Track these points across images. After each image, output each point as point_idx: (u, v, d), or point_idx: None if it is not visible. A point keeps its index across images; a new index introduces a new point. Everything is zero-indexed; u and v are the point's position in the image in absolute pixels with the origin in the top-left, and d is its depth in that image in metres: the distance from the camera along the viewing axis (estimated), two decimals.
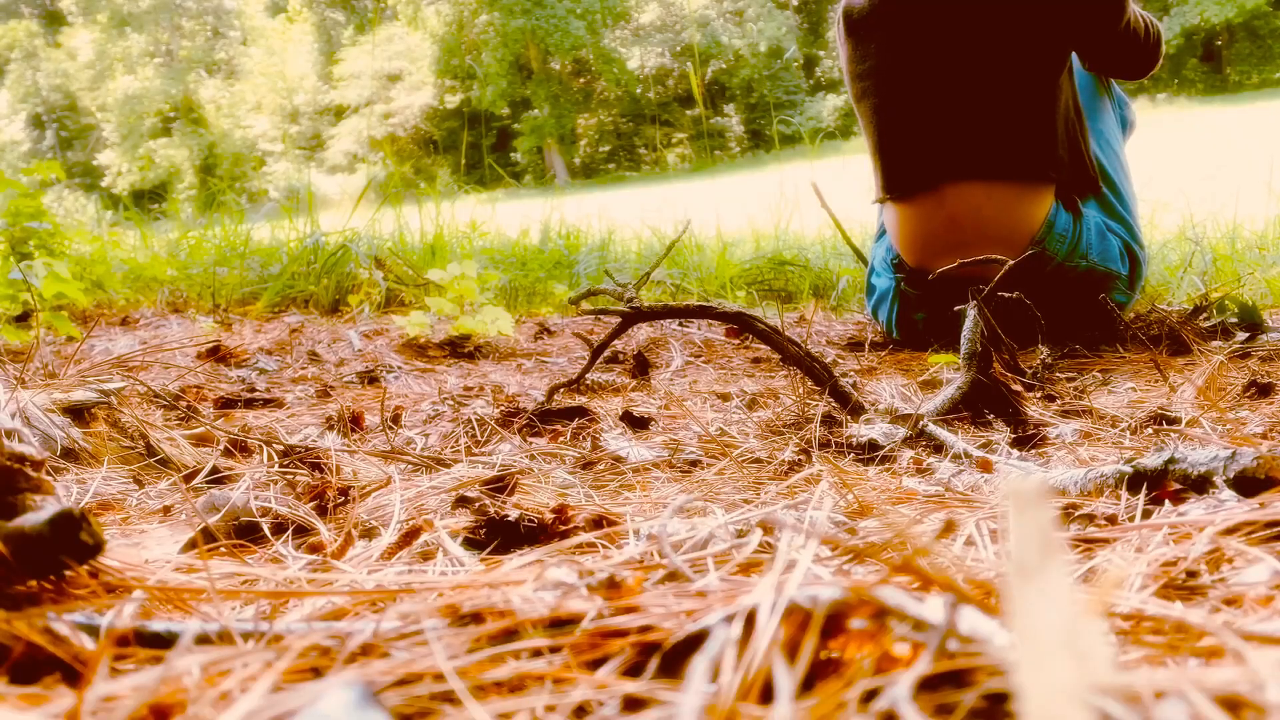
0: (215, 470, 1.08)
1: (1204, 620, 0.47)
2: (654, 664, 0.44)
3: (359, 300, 3.14)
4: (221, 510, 0.85)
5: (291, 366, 2.04)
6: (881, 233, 2.33)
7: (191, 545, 0.79)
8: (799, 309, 3.17)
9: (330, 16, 34.89)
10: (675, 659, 0.44)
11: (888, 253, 2.19)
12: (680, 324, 2.49)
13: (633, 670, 0.44)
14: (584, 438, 1.28)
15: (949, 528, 0.54)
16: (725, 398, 1.57)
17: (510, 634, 0.47)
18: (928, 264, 2.06)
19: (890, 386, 1.60)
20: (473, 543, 0.79)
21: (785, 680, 0.39)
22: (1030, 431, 1.21)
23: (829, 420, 1.29)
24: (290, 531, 0.85)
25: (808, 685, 0.40)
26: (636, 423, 1.36)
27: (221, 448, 1.20)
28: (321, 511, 0.92)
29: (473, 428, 1.32)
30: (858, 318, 2.88)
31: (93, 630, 0.50)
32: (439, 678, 0.44)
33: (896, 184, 2.10)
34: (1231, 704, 0.36)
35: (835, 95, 28.13)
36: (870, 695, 0.39)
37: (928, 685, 0.39)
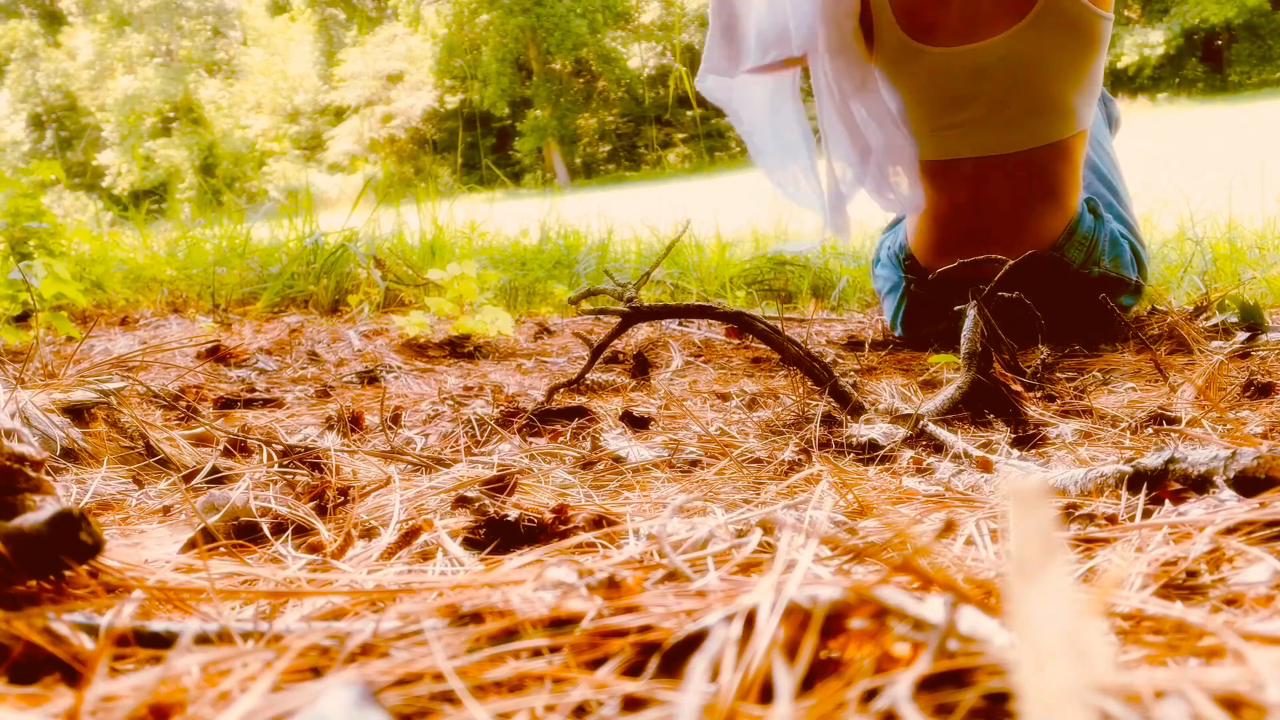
0: (215, 470, 1.08)
1: (1204, 620, 0.47)
2: (654, 664, 0.44)
3: (359, 300, 3.14)
4: (221, 510, 0.85)
5: (291, 366, 2.04)
6: (894, 222, 2.31)
7: (191, 545, 0.79)
8: (799, 309, 3.18)
9: (331, 14, 34.89)
10: (675, 659, 0.44)
11: (900, 249, 2.17)
12: (680, 324, 2.49)
13: (632, 670, 0.44)
14: (584, 438, 1.28)
15: (949, 527, 0.54)
16: (725, 398, 1.57)
17: (510, 634, 0.47)
18: (937, 265, 2.05)
19: (890, 386, 1.60)
20: (472, 543, 0.79)
21: (785, 680, 0.39)
22: (1030, 431, 1.21)
23: (829, 420, 1.29)
24: (290, 531, 0.85)
25: (808, 685, 0.40)
26: (636, 423, 1.36)
27: (221, 448, 1.20)
28: (321, 511, 0.92)
29: (472, 428, 1.32)
30: (858, 318, 2.88)
31: (92, 630, 0.50)
32: (438, 677, 0.44)
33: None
34: (1231, 703, 0.36)
35: None
36: (870, 695, 0.39)
37: (928, 685, 0.39)
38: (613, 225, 4.50)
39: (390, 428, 1.36)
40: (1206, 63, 26.90)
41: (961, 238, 2.03)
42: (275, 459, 1.13)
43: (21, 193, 2.79)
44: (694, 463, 1.13)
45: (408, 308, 3.09)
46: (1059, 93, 1.96)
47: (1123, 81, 26.34)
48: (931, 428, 1.18)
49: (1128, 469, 0.84)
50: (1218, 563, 0.61)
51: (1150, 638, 0.48)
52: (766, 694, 0.39)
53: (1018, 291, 1.57)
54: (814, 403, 1.40)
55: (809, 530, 0.54)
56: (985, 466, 1.02)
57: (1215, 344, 1.85)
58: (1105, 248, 2.03)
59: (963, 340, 1.39)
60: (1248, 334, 1.88)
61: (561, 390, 1.59)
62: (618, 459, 1.14)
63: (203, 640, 0.49)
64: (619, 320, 1.60)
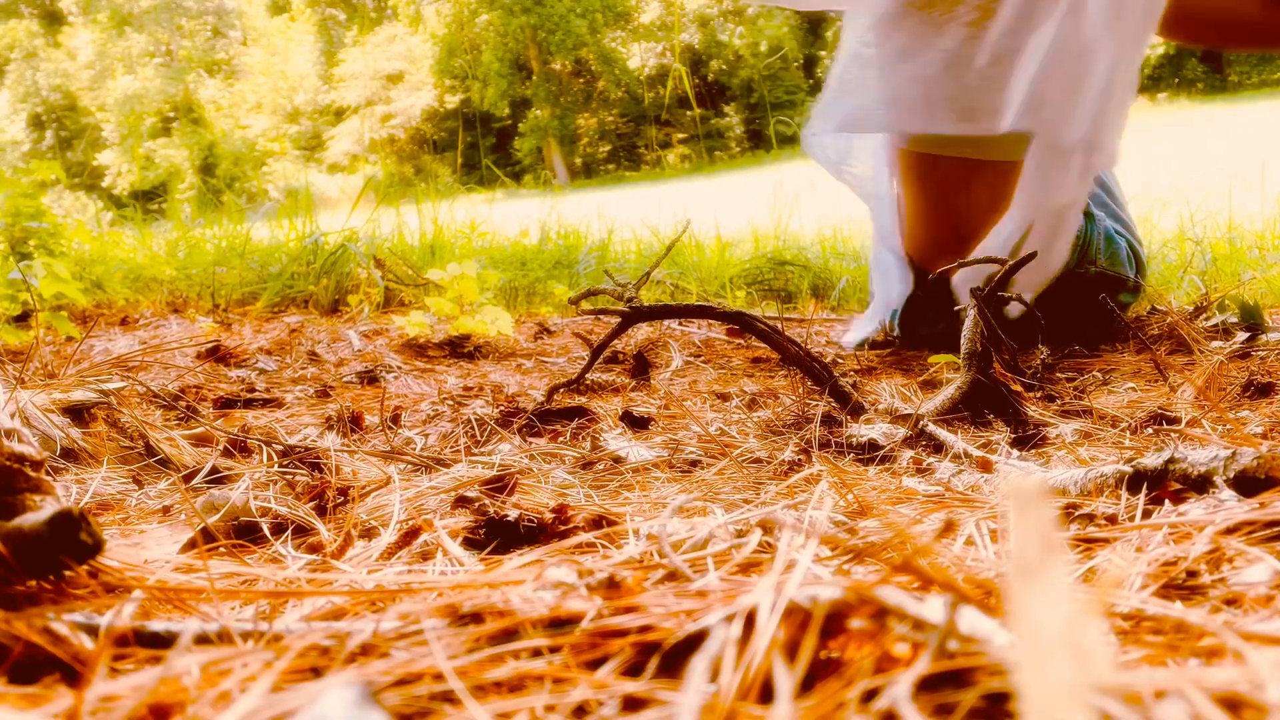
0: (215, 470, 1.08)
1: (1204, 620, 0.47)
2: (654, 664, 0.44)
3: (358, 300, 3.14)
4: (221, 510, 0.85)
5: (291, 366, 2.04)
6: None
7: (191, 545, 0.79)
8: (799, 309, 3.18)
9: (331, 14, 34.89)
10: (675, 659, 0.44)
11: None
12: (680, 324, 2.49)
13: (632, 670, 0.44)
14: (584, 438, 1.28)
15: (949, 527, 0.54)
16: (725, 398, 1.57)
17: (510, 634, 0.47)
18: (934, 265, 2.06)
19: (890, 386, 1.60)
20: (472, 543, 0.79)
21: (785, 680, 0.39)
22: (1030, 431, 1.21)
23: (829, 420, 1.29)
24: (290, 531, 0.85)
25: (807, 685, 0.40)
26: (636, 423, 1.36)
27: (221, 448, 1.20)
28: (321, 511, 0.92)
29: (472, 428, 1.32)
30: (858, 318, 2.88)
31: (92, 630, 0.50)
32: (438, 677, 0.44)
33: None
34: (1231, 703, 0.36)
35: None
36: (870, 695, 0.39)
37: (928, 685, 0.39)
38: (613, 225, 4.50)
39: (390, 428, 1.36)
40: (1206, 63, 26.88)
41: (951, 239, 2.04)
42: (275, 459, 1.13)
43: (21, 193, 2.79)
44: (694, 463, 1.13)
45: (408, 308, 3.09)
46: None
47: None
48: (931, 428, 1.18)
49: (1128, 469, 0.84)
50: (1218, 563, 0.61)
51: (1150, 638, 0.48)
52: (766, 694, 0.39)
53: (1018, 292, 1.57)
54: (814, 403, 1.40)
55: (809, 530, 0.54)
56: (985, 466, 1.02)
57: (1215, 344, 1.85)
58: (1100, 246, 2.03)
59: (963, 340, 1.39)
60: (1248, 334, 1.88)
61: (561, 390, 1.59)
62: (618, 459, 1.14)
63: (203, 640, 0.49)
64: (619, 320, 1.60)
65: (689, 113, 28.74)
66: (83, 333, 2.30)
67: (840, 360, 2.00)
